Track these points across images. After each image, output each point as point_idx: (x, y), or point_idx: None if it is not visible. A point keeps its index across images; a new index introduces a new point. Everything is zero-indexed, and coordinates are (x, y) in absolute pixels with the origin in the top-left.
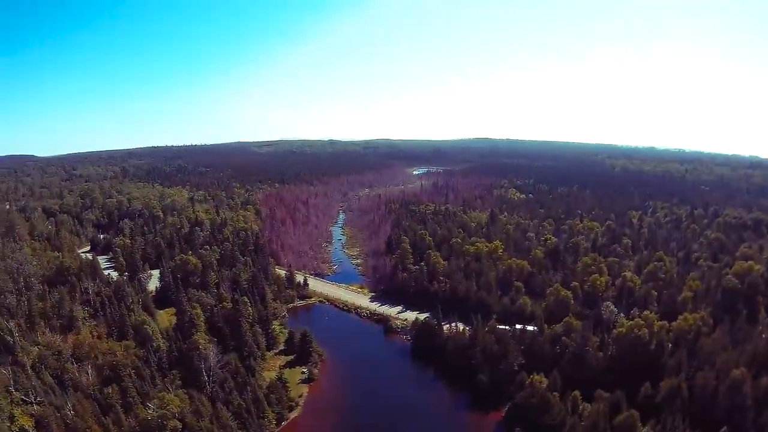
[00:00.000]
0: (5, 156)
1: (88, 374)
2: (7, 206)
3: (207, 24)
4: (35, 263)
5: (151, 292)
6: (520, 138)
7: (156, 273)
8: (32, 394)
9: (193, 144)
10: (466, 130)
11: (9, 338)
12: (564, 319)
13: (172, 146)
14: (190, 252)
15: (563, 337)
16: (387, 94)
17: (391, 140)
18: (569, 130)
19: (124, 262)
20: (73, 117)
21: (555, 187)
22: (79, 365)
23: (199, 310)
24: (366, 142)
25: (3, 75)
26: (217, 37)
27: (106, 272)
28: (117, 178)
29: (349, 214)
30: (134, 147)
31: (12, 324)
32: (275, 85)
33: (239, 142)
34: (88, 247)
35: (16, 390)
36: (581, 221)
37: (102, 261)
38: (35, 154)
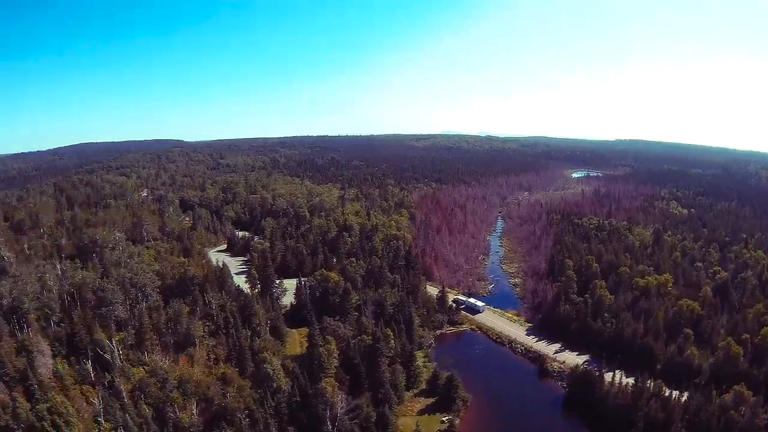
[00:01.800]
0: (152, 140)
1: (193, 410)
2: (144, 194)
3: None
4: (156, 268)
5: (285, 307)
6: (673, 141)
7: (293, 284)
8: (123, 429)
9: (348, 135)
10: (616, 129)
11: (108, 356)
12: (734, 387)
13: (327, 136)
14: (334, 260)
15: (732, 411)
16: (544, 87)
17: (547, 138)
18: (710, 133)
19: (257, 274)
20: (226, 102)
21: (715, 202)
22: (185, 398)
23: (333, 345)
24: (524, 139)
25: (155, 58)
26: (381, 23)
27: (237, 279)
28: (266, 169)
29: (508, 222)
30: (287, 135)
31: (114, 340)
32: (435, 77)
33: (396, 134)
34: (224, 246)
35: (106, 421)
36: (746, 248)
37: (236, 263)
38: (183, 139)
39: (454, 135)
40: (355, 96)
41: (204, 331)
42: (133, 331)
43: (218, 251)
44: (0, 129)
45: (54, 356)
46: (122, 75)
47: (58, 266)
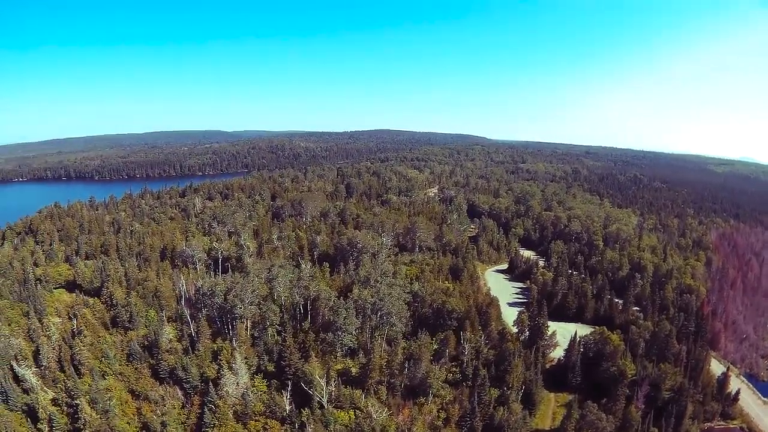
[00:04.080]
0: (455, 134)
1: None
2: (432, 192)
3: None
4: (415, 289)
5: (551, 361)
6: None
7: (568, 331)
8: None
9: (652, 150)
10: None
11: (315, 392)
12: None
13: (632, 150)
14: (619, 308)
15: None
16: None
17: None
18: None
19: (527, 319)
20: (535, 100)
21: None
22: None
23: None
24: None
25: (471, 47)
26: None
27: (507, 312)
28: (566, 180)
29: None
30: (593, 144)
31: (332, 370)
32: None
33: (697, 156)
34: (505, 266)
35: None
36: None
37: (513, 290)
38: (486, 137)
39: (751, 163)
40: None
41: (445, 379)
42: (358, 365)
43: (497, 270)
44: (299, 110)
45: (254, 374)
46: (434, 61)
47: (303, 268)
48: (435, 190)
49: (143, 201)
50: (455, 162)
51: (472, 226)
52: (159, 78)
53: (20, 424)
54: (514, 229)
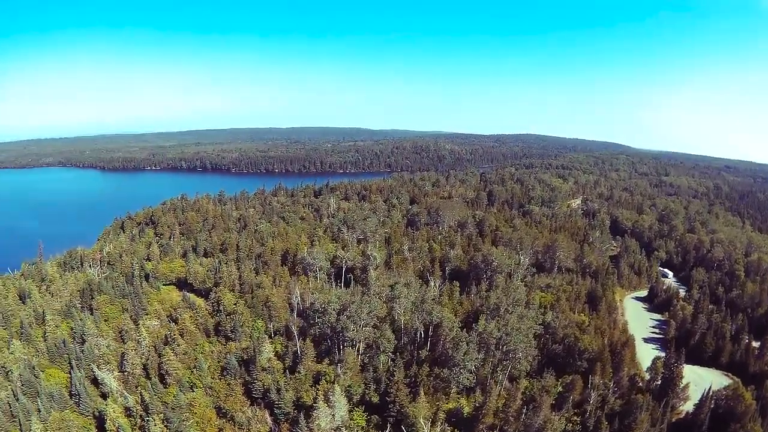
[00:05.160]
0: (600, 142)
1: None
2: (575, 204)
3: None
4: (547, 320)
5: (678, 415)
6: None
7: (701, 377)
8: None
9: None
10: None
11: None
12: None
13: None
14: (756, 352)
15: None
16: None
17: None
18: None
19: (662, 368)
20: (680, 107)
21: None
22: None
23: None
24: None
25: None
26: None
27: (642, 350)
28: (708, 197)
29: None
30: (732, 158)
31: (441, 410)
32: None
33: None
34: (644, 292)
35: None
36: None
37: (651, 322)
38: (630, 146)
39: None
40: None
41: (564, 431)
42: (472, 404)
43: (635, 298)
44: (445, 110)
45: (355, 405)
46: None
47: (429, 288)
48: (578, 201)
49: (275, 198)
50: (600, 172)
51: (613, 245)
52: (309, 72)
53: (88, 430)
54: (656, 252)
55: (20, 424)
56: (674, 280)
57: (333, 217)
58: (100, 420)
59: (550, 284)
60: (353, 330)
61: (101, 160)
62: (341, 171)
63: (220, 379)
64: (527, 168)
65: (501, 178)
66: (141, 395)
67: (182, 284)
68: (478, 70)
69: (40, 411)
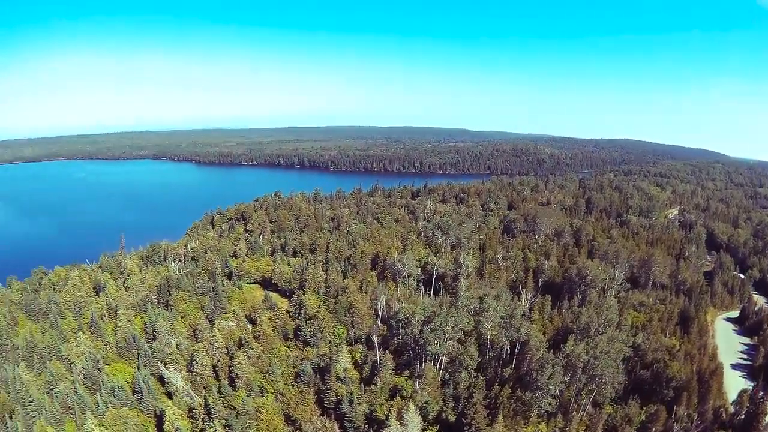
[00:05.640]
0: (696, 149)
1: None
2: (672, 215)
3: None
4: (637, 343)
5: None
6: None
7: None
8: None
9: None
10: None
11: None
12: None
13: None
14: None
15: None
16: None
17: None
18: None
19: (748, 396)
20: None
21: None
22: None
23: None
24: None
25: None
26: None
27: (730, 378)
28: None
29: None
30: None
31: None
32: None
33: None
34: (736, 313)
35: None
36: None
37: (739, 345)
38: (726, 154)
39: None
40: None
41: None
42: (552, 430)
43: (727, 319)
44: (544, 112)
45: (431, 423)
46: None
47: (520, 301)
48: (675, 212)
49: (372, 199)
50: (696, 181)
51: (708, 260)
52: (411, 71)
53: (145, 429)
54: (750, 270)
55: (75, 417)
56: (766, 301)
57: (428, 221)
58: (159, 419)
59: (644, 302)
60: (436, 344)
61: (197, 154)
62: (440, 172)
63: (292, 385)
64: (626, 175)
65: (600, 184)
66: (205, 398)
67: (267, 284)
68: (577, 72)
69: (98, 405)
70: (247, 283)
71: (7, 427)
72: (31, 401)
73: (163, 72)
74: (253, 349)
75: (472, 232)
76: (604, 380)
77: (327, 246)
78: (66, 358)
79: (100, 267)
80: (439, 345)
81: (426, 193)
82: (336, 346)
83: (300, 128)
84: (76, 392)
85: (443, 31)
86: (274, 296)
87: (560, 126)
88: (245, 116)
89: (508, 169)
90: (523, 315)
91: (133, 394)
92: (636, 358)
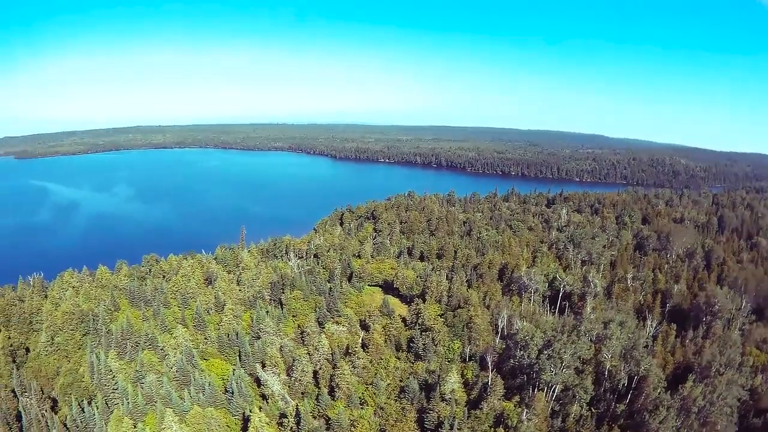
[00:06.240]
0: None
1: None
2: None
3: None
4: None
5: None
6: None
7: None
8: None
9: None
10: None
11: None
12: None
13: None
14: None
15: None
16: None
17: None
18: None
19: None
20: None
21: None
22: None
23: None
24: None
25: None
26: None
27: None
28: None
29: None
30: None
31: None
32: None
33: None
34: None
35: None
36: None
37: None
38: None
39: None
40: None
41: None
42: None
43: None
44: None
45: None
46: None
47: (645, 330)
48: None
49: (506, 204)
50: None
51: None
52: (549, 75)
53: (231, 430)
54: None
55: (157, 411)
56: None
57: (561, 231)
58: (246, 422)
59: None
60: (551, 372)
61: (333, 148)
62: (577, 179)
63: (395, 400)
64: (757, 192)
65: (732, 201)
66: (296, 406)
67: (389, 287)
68: (709, 81)
69: (184, 401)
70: (369, 285)
71: (84, 412)
72: (115, 389)
73: (306, 70)
74: (360, 359)
75: (604, 247)
76: (717, 428)
77: (455, 252)
78: (161, 349)
79: (215, 258)
80: (555, 373)
81: (562, 201)
82: (448, 362)
83: (438, 127)
84: (162, 385)
85: (591, 32)
86: (394, 301)
87: (693, 135)
88: (383, 111)
89: (644, 179)
90: (646, 346)
91: (224, 393)
92: (751, 402)
